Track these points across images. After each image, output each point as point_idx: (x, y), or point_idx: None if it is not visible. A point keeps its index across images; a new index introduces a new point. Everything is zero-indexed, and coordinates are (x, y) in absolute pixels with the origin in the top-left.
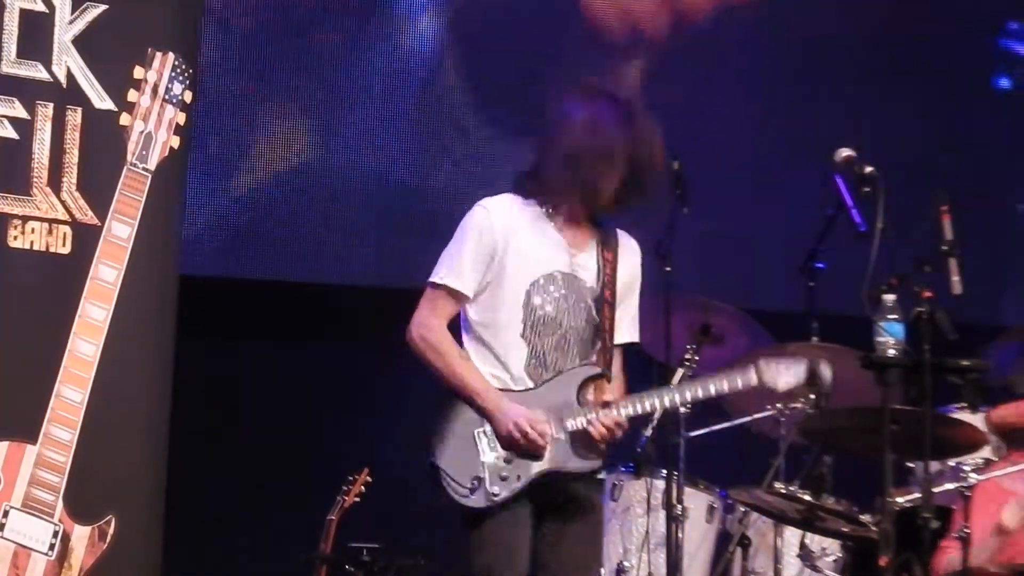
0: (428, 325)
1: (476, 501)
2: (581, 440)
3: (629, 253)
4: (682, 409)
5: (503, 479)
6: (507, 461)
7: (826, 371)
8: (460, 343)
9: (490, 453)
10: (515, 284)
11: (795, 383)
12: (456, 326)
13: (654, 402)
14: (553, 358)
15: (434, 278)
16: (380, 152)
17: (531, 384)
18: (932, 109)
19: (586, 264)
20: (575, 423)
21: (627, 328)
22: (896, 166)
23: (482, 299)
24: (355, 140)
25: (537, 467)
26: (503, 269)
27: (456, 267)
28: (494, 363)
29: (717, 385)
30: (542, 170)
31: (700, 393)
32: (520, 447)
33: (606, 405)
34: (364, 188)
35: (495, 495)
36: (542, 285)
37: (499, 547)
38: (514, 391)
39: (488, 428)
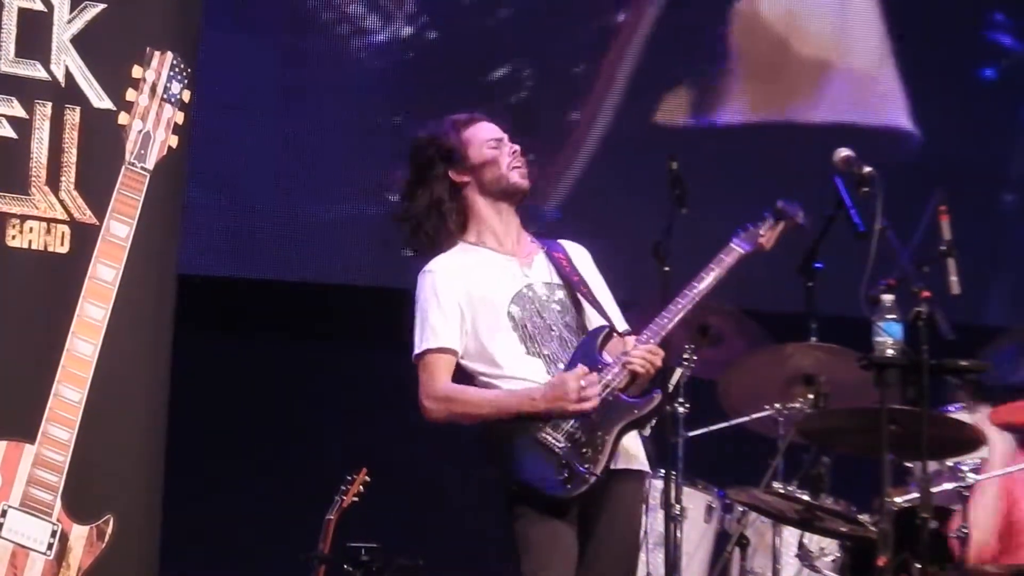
0: (431, 389)
1: (576, 486)
2: (630, 389)
3: (577, 254)
4: (680, 409)
5: (586, 455)
6: (579, 441)
7: (790, 205)
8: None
9: (562, 442)
10: (495, 318)
11: (772, 233)
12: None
13: (671, 319)
14: (564, 353)
15: (420, 350)
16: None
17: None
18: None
19: (542, 268)
20: (616, 377)
21: (619, 320)
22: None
23: (473, 349)
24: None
25: (608, 429)
26: (476, 314)
27: (429, 331)
28: (519, 377)
29: (715, 272)
30: (440, 220)
31: (703, 287)
32: (587, 409)
33: (635, 341)
34: (363, 187)
35: (590, 469)
36: (519, 303)
37: (549, 551)
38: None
39: (546, 427)
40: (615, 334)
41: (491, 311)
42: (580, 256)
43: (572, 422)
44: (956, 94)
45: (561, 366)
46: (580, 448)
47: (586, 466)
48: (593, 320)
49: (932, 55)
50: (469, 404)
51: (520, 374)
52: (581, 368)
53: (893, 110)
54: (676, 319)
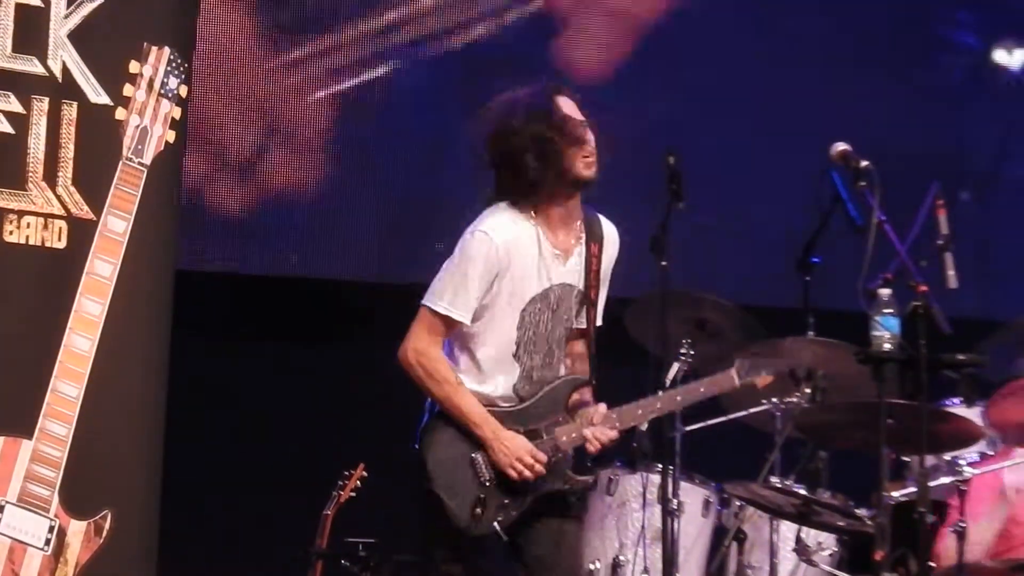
0: (427, 353)
1: (480, 528)
2: (575, 455)
3: (610, 243)
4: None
5: (504, 505)
6: (507, 487)
7: (803, 370)
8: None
9: (489, 477)
10: (512, 308)
11: (772, 381)
12: None
13: (644, 413)
14: (540, 374)
15: (434, 305)
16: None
17: (516, 400)
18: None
19: (574, 268)
20: (571, 441)
21: (598, 314)
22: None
23: (478, 317)
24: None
25: (536, 490)
26: (500, 292)
27: (461, 298)
28: (478, 377)
29: (703, 391)
30: (520, 173)
31: (688, 399)
32: (518, 479)
33: (600, 417)
34: (361, 185)
35: (500, 520)
36: (534, 306)
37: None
38: (501, 409)
39: (484, 454)
40: (591, 386)
41: (512, 301)
42: (610, 248)
43: None
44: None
45: (527, 386)
46: (503, 494)
47: (499, 518)
48: (579, 323)
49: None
50: (441, 391)
51: (490, 369)
52: (541, 455)
53: None
54: (648, 417)
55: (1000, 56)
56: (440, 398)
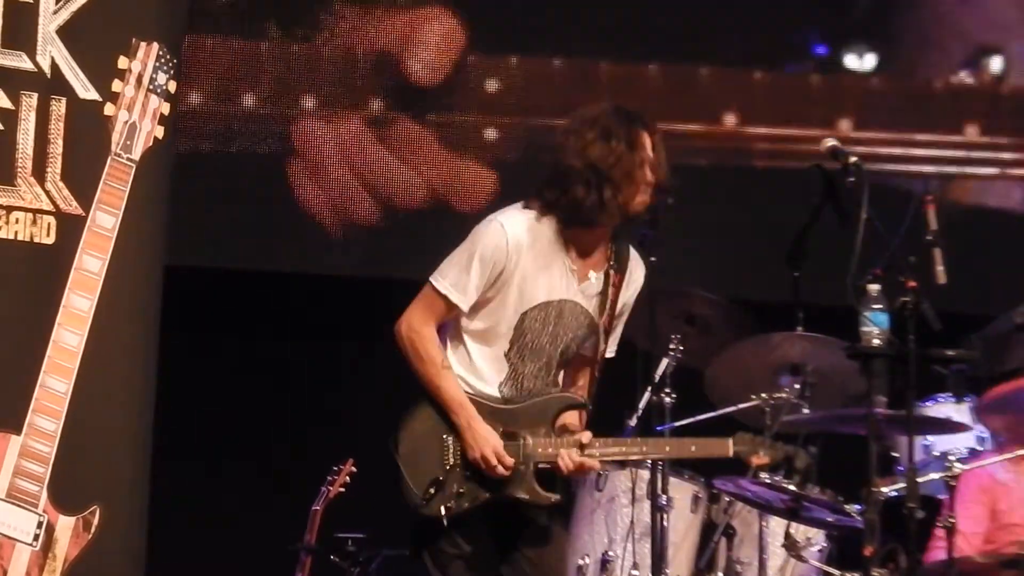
0: (420, 331)
1: (429, 509)
2: (546, 471)
3: (635, 274)
4: (667, 399)
5: (459, 494)
6: (467, 477)
7: (802, 460)
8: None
9: (454, 463)
10: (513, 307)
11: (767, 463)
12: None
13: (627, 452)
14: (530, 383)
15: (436, 283)
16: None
17: (501, 400)
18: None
19: (590, 291)
20: (545, 456)
21: (610, 345)
22: None
23: (481, 306)
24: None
25: (493, 491)
26: (506, 287)
27: (462, 282)
28: (468, 368)
29: (693, 450)
30: (568, 188)
31: (674, 454)
32: (481, 471)
33: (581, 445)
34: (352, 181)
35: (448, 508)
36: (538, 313)
37: (461, 557)
38: (488, 403)
39: (455, 439)
40: (583, 411)
41: (516, 301)
42: (633, 283)
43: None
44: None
45: (517, 391)
46: (460, 482)
47: (450, 502)
48: (587, 350)
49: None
50: (428, 370)
51: (480, 363)
52: (508, 460)
53: None
54: (630, 457)
55: (851, 61)
56: (424, 377)
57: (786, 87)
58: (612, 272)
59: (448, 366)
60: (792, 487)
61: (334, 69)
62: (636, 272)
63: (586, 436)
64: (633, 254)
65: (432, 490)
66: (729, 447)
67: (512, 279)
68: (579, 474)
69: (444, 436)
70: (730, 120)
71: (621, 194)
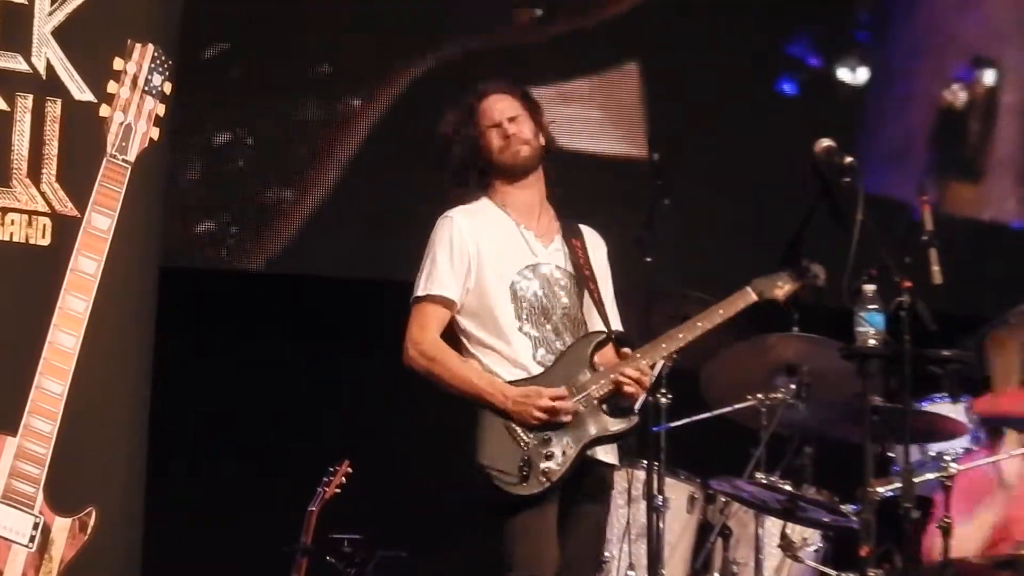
0: (419, 340)
1: (531, 487)
2: (610, 402)
3: (593, 245)
4: (663, 400)
5: (549, 456)
6: (547, 440)
7: (821, 272)
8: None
9: (529, 437)
10: (498, 282)
11: (791, 288)
12: (453, 343)
13: (668, 347)
14: (558, 343)
15: (418, 293)
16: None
17: (540, 368)
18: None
19: (555, 254)
20: (600, 387)
21: (615, 320)
22: None
23: (471, 306)
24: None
25: (578, 439)
26: (482, 271)
27: (436, 276)
28: (504, 362)
29: (722, 313)
30: (450, 165)
31: (708, 324)
32: (552, 424)
33: (623, 359)
34: (347, 180)
35: (548, 474)
36: (526, 277)
37: (537, 536)
38: (523, 378)
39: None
40: (611, 342)
41: (496, 275)
42: (596, 248)
43: None
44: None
45: (549, 355)
46: (545, 449)
47: (546, 466)
48: (592, 318)
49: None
50: (447, 371)
51: (507, 349)
52: (561, 390)
53: None
54: (674, 348)
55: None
56: (447, 377)
57: None
58: (569, 238)
59: (464, 360)
60: (788, 487)
61: None
62: (592, 235)
63: (627, 352)
64: (587, 230)
65: (525, 471)
66: (750, 294)
67: (482, 259)
68: (642, 385)
69: (508, 424)
70: None
71: (482, 146)
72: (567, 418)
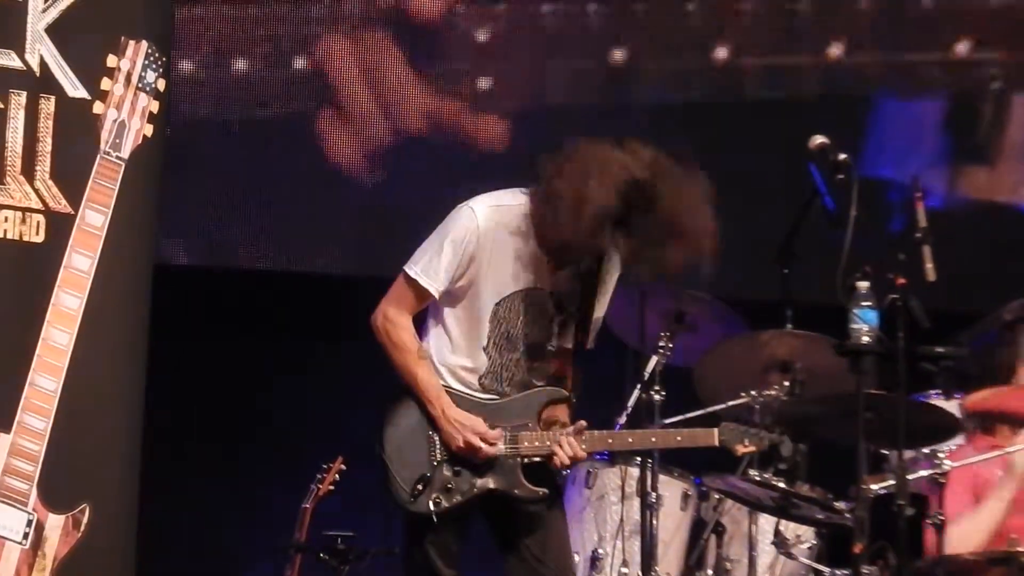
0: (395, 320)
1: (418, 506)
2: (533, 465)
3: (613, 267)
4: (656, 397)
5: (448, 490)
6: (456, 472)
7: (787, 448)
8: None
9: (441, 458)
10: (487, 295)
11: (753, 451)
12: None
13: (615, 443)
14: (509, 374)
15: (410, 269)
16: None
17: (481, 390)
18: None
19: (564, 282)
20: (534, 449)
21: (589, 337)
22: None
23: (456, 296)
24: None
25: (483, 485)
26: (479, 274)
27: (433, 266)
28: (447, 361)
29: (679, 440)
30: (542, 206)
31: (661, 445)
32: (468, 458)
33: (573, 426)
34: (339, 179)
35: (438, 503)
36: (511, 302)
37: (438, 548)
38: (471, 397)
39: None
40: (568, 405)
41: (493, 290)
42: (612, 270)
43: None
44: None
45: (497, 384)
46: (449, 476)
47: (438, 498)
48: (566, 340)
49: None
50: (403, 362)
51: (463, 354)
52: (497, 432)
53: None
54: (617, 449)
55: None
56: (400, 366)
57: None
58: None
59: (425, 356)
60: (782, 484)
61: None
62: (612, 263)
63: (581, 425)
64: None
65: (420, 487)
66: (715, 436)
67: (484, 266)
68: (571, 466)
69: (430, 433)
70: (721, 53)
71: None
72: (482, 458)
